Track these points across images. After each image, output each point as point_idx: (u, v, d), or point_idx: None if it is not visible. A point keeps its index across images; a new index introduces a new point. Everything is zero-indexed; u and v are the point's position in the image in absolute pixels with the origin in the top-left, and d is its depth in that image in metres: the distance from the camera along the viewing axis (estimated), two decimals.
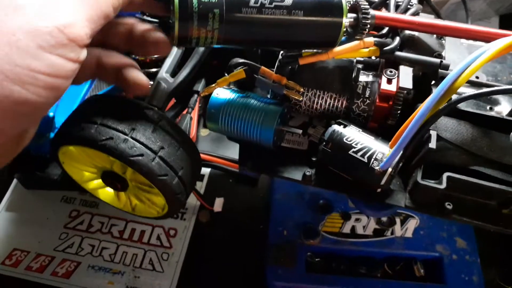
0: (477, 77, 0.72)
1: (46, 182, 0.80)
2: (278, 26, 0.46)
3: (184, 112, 0.65)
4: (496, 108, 0.68)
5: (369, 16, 0.54)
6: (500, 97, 0.68)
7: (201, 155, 0.76)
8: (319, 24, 0.48)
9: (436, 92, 0.46)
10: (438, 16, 0.82)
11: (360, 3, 0.54)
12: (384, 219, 0.88)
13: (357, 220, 0.87)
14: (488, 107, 0.69)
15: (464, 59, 0.46)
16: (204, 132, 0.93)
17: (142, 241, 0.85)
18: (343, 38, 0.61)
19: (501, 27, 1.29)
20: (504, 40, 0.46)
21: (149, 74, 0.63)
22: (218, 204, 0.81)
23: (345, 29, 0.51)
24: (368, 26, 0.54)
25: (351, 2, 0.56)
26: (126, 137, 0.49)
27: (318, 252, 0.84)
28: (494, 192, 0.57)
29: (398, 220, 0.88)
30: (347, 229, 0.84)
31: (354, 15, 0.54)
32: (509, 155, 0.60)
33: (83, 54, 0.38)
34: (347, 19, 0.51)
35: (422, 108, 0.47)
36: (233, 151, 0.88)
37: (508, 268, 0.91)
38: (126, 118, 0.51)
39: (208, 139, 0.94)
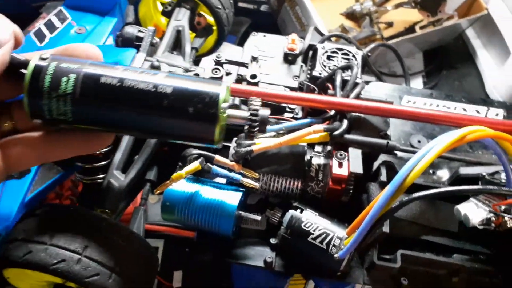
0: (418, 141, 0.76)
1: None
2: (141, 100, 0.40)
3: (138, 202, 0.63)
4: (438, 172, 0.73)
5: (257, 118, 0.46)
6: (440, 163, 0.73)
7: (153, 227, 0.74)
8: (189, 111, 0.40)
9: (386, 192, 0.48)
10: (379, 79, 0.87)
11: (251, 101, 0.47)
12: None
13: None
14: (431, 171, 0.73)
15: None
16: (153, 199, 0.90)
17: None
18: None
19: (425, 60, 1.41)
20: (449, 137, 0.49)
21: (97, 168, 0.61)
22: (177, 278, 0.78)
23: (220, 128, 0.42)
24: (256, 130, 0.46)
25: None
26: (80, 256, 0.47)
27: None
28: (443, 264, 0.60)
29: None
30: None
31: (243, 113, 0.45)
32: (453, 224, 0.64)
33: None
34: (231, 116, 0.43)
35: (376, 205, 0.49)
36: None
37: None
38: (78, 234, 0.48)
39: (158, 206, 0.91)
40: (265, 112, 0.47)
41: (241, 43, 1.34)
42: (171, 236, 0.88)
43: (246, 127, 0.46)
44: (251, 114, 0.45)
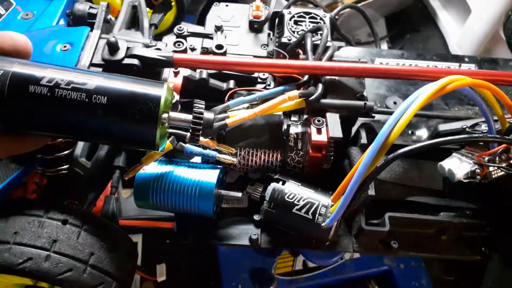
0: (394, 103, 0.75)
1: None
2: (76, 112, 0.38)
3: (108, 191, 0.59)
4: (417, 132, 0.71)
5: (201, 121, 0.45)
6: (418, 122, 0.71)
7: (128, 222, 0.70)
8: (127, 121, 0.39)
9: (371, 150, 0.46)
10: (349, 43, 0.84)
11: (195, 103, 0.46)
12: None
13: None
14: (409, 132, 0.72)
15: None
16: (125, 193, 0.85)
17: None
18: None
19: (387, 26, 1.41)
20: (430, 88, 0.47)
21: (60, 158, 0.56)
22: (161, 271, 0.75)
23: (165, 125, 0.41)
24: (199, 132, 0.46)
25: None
26: (48, 253, 0.43)
27: None
28: (432, 222, 0.59)
29: None
30: (299, 265, 0.84)
31: (186, 116, 0.45)
32: (437, 182, 0.64)
33: None
34: (174, 119, 0.43)
35: (360, 167, 0.46)
36: None
37: (447, 261, 0.97)
38: (44, 228, 0.44)
39: (131, 200, 0.86)
40: (209, 115, 0.46)
41: (200, 22, 1.28)
42: (149, 230, 0.84)
43: (189, 130, 0.45)
44: (195, 118, 0.44)
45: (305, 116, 0.62)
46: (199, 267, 0.83)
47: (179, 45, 0.63)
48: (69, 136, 0.46)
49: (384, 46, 1.38)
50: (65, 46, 0.59)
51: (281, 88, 0.59)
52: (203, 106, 0.45)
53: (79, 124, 0.39)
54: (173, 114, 0.42)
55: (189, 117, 0.44)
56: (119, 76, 0.40)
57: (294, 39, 0.67)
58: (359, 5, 1.18)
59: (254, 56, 0.67)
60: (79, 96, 0.37)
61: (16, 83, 0.36)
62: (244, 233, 0.59)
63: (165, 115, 0.39)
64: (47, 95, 0.37)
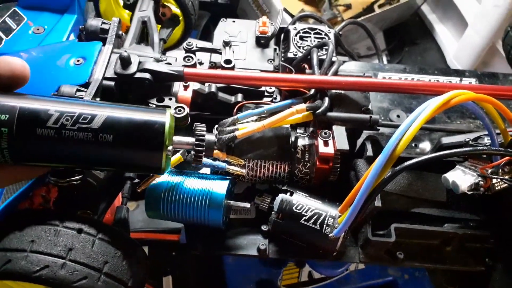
0: (398, 116, 0.77)
1: None
2: (83, 150, 0.40)
3: (119, 202, 0.60)
4: (420, 145, 0.73)
5: (203, 143, 0.47)
6: (421, 135, 0.73)
7: (135, 234, 0.70)
8: (134, 152, 0.41)
9: (378, 162, 0.47)
10: (352, 58, 0.86)
11: (196, 127, 0.48)
12: None
13: None
14: (413, 144, 0.73)
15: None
16: (131, 205, 0.86)
17: None
18: None
19: (386, 39, 1.45)
20: (435, 101, 0.48)
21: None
22: (167, 284, 0.75)
23: (169, 155, 0.43)
24: (202, 154, 0.48)
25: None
26: (64, 261, 0.44)
27: None
28: (437, 233, 0.60)
29: None
30: (304, 276, 0.85)
31: (189, 139, 0.47)
32: (441, 193, 0.65)
33: None
34: (177, 143, 0.46)
35: (368, 178, 0.48)
36: None
37: (451, 272, 0.97)
38: (59, 237, 0.45)
39: (138, 212, 0.86)
40: (210, 137, 0.49)
41: (202, 37, 1.32)
42: (155, 242, 0.84)
43: (192, 152, 0.48)
44: (197, 140, 0.47)
45: (311, 129, 0.63)
46: (206, 279, 0.83)
47: (188, 59, 0.65)
48: (77, 167, 0.49)
49: (383, 59, 1.41)
50: (78, 60, 0.61)
51: (288, 101, 0.60)
52: (205, 129, 0.48)
53: (86, 158, 0.41)
54: (176, 139, 0.45)
55: (191, 140, 0.46)
56: (124, 107, 0.42)
57: (299, 54, 0.69)
58: (360, 19, 1.22)
59: (261, 71, 0.69)
60: (86, 136, 0.39)
61: (23, 127, 0.38)
62: (252, 243, 0.60)
63: (170, 147, 0.42)
64: (54, 136, 0.39)
